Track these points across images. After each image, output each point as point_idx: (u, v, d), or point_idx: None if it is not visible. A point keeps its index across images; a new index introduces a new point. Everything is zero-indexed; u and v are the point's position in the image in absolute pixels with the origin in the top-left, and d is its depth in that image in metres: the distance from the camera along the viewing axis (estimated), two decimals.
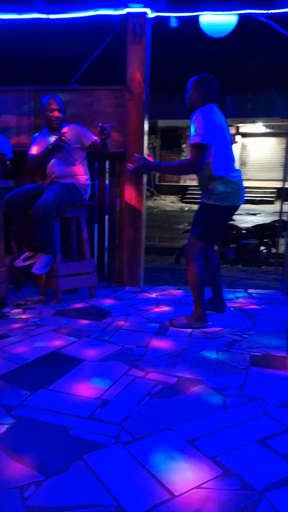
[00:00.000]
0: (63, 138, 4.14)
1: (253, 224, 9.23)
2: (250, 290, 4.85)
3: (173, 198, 23.92)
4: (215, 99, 3.51)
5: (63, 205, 4.07)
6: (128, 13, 4.51)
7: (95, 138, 4.25)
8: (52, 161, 4.27)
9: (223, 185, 3.43)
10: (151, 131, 20.87)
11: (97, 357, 3.05)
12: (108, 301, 4.33)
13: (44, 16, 4.68)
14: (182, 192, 24.00)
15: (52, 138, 4.26)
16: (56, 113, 4.23)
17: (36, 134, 4.49)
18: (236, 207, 3.62)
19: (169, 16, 4.66)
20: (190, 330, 3.58)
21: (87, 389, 2.60)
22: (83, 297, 4.49)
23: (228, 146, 3.48)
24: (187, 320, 3.64)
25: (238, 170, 3.59)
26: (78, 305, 4.23)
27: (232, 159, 3.54)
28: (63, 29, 4.86)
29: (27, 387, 2.62)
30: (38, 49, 5.73)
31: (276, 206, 19.88)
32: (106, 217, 4.96)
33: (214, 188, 3.45)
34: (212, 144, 3.34)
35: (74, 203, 4.22)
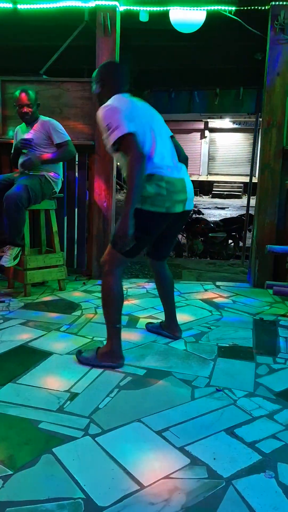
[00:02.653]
0: (24, 144, 4.15)
1: (221, 218, 9.33)
2: (218, 283, 4.91)
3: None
4: (123, 88, 2.82)
5: (34, 196, 4.03)
6: (97, 5, 4.49)
7: (63, 140, 4.20)
8: (24, 154, 4.23)
9: (153, 185, 2.64)
10: None
11: (66, 350, 3.05)
12: (77, 294, 4.32)
13: (13, 5, 4.61)
14: None
15: (25, 134, 4.23)
16: (24, 109, 4.15)
17: (16, 128, 4.43)
18: (176, 215, 2.79)
19: (139, 10, 4.66)
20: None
21: (56, 382, 2.60)
22: (52, 290, 4.46)
23: (159, 136, 2.75)
24: (96, 355, 2.84)
25: (180, 167, 2.83)
26: (47, 298, 4.20)
27: (168, 152, 2.77)
28: (32, 19, 4.80)
29: None
30: (6, 38, 5.64)
31: (243, 200, 20.12)
32: (76, 210, 4.94)
33: (143, 188, 2.65)
34: (139, 134, 2.58)
35: (44, 195, 4.19)
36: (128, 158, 2.51)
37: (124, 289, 4.47)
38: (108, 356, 2.80)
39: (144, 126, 2.65)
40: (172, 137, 2.91)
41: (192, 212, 8.24)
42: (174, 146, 2.88)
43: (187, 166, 2.97)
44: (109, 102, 2.67)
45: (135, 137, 2.51)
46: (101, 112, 2.62)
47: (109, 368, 2.76)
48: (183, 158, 2.92)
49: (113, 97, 2.71)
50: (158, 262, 3.18)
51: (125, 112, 2.59)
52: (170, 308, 3.30)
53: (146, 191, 2.64)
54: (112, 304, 2.78)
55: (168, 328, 3.32)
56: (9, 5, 4.61)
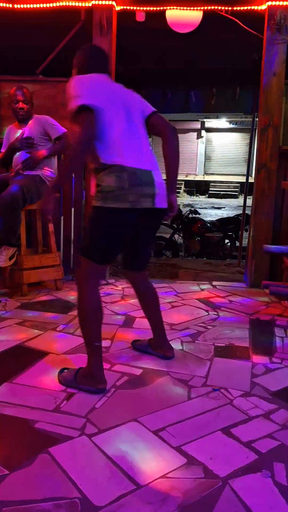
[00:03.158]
0: (27, 144, 4.14)
1: (217, 218, 9.33)
2: (214, 282, 4.92)
3: None
4: (101, 71, 2.55)
5: (29, 197, 4.03)
6: (94, 4, 4.48)
7: (60, 133, 4.20)
8: (19, 153, 4.22)
9: (113, 178, 2.35)
10: None
11: (63, 350, 3.05)
12: (73, 294, 4.31)
13: (9, 5, 4.61)
14: None
15: (18, 133, 4.22)
16: (20, 104, 4.16)
17: (9, 127, 4.42)
18: (146, 214, 2.47)
19: (136, 10, 4.65)
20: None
21: (52, 382, 2.59)
22: (49, 290, 4.46)
23: (129, 122, 2.47)
24: (75, 376, 2.55)
25: (149, 159, 2.54)
26: (44, 298, 4.20)
27: (136, 140, 2.48)
28: (29, 18, 4.79)
29: None
30: (2, 38, 5.63)
31: (240, 200, 20.14)
32: (72, 209, 4.93)
33: (102, 182, 2.38)
34: (100, 113, 2.34)
35: (40, 194, 4.18)
36: (75, 134, 2.27)
37: (121, 288, 4.51)
38: (87, 379, 2.50)
39: (113, 105, 2.42)
40: (154, 113, 2.65)
41: (188, 212, 8.24)
42: (156, 123, 2.65)
43: (177, 146, 2.72)
44: (85, 75, 2.48)
45: (91, 113, 2.29)
46: (70, 81, 2.42)
47: (89, 392, 2.46)
48: (170, 136, 2.70)
49: (90, 74, 2.49)
50: (136, 274, 2.85)
51: (94, 85, 2.41)
52: (157, 325, 2.95)
53: (106, 186, 2.36)
54: (88, 320, 2.48)
55: (159, 347, 2.96)
56: (6, 4, 4.60)
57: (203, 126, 24.36)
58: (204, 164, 24.91)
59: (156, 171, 2.53)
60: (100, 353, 2.52)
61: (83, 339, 2.55)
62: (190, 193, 23.57)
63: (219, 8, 4.54)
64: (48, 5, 4.55)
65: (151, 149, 2.62)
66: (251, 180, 6.07)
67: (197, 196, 23.23)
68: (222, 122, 23.91)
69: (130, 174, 2.37)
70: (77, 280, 2.53)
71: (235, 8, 4.51)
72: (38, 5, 4.58)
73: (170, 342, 3.16)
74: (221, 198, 21.91)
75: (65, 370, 2.65)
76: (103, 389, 2.48)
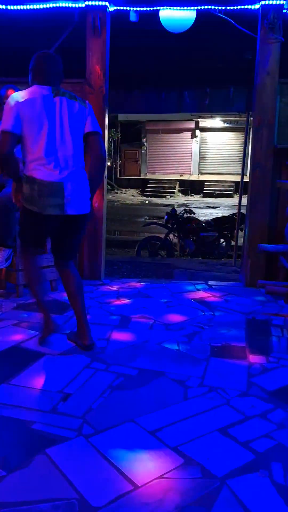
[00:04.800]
0: None
1: (213, 217, 9.34)
2: (210, 282, 4.92)
3: (133, 191, 23.91)
4: (46, 80, 2.85)
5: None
6: (87, 6, 4.48)
7: None
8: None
9: (27, 186, 2.81)
10: (111, 125, 20.61)
11: (59, 350, 3.04)
12: None
13: (3, 6, 4.60)
14: (142, 185, 24.03)
15: None
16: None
17: None
18: (63, 218, 2.86)
19: (129, 10, 4.65)
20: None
21: (48, 383, 2.59)
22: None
23: (51, 136, 2.76)
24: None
25: (62, 170, 2.79)
26: None
27: (50, 153, 2.76)
28: (22, 20, 4.78)
29: None
30: None
31: (235, 199, 20.17)
32: None
33: (24, 186, 2.85)
34: (22, 133, 2.74)
35: None
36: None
37: (116, 289, 4.51)
38: (42, 327, 3.11)
39: (33, 126, 2.74)
40: (92, 133, 2.91)
41: (183, 212, 8.25)
42: (91, 144, 2.91)
43: (100, 165, 3.00)
44: (17, 92, 2.83)
45: (8, 135, 2.70)
46: (9, 98, 2.78)
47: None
48: (97, 156, 2.93)
49: (28, 88, 2.84)
50: (62, 261, 3.12)
51: (17, 108, 2.72)
52: (77, 313, 3.10)
53: (24, 192, 2.84)
54: (30, 285, 3.16)
55: (79, 336, 3.11)
56: (0, 7, 4.59)
57: (197, 126, 24.34)
58: (199, 164, 24.89)
59: (70, 182, 2.81)
60: (43, 305, 3.08)
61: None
62: (184, 192, 23.57)
63: (213, 8, 4.54)
64: (42, 6, 4.54)
65: (74, 161, 2.86)
66: (246, 179, 6.07)
67: (191, 195, 23.22)
68: (217, 122, 23.90)
69: (40, 185, 2.76)
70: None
71: (228, 8, 4.51)
72: (31, 6, 4.57)
73: (166, 342, 3.17)
74: (216, 197, 21.90)
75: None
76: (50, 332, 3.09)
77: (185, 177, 24.39)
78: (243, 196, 6.80)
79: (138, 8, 4.63)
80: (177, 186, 23.72)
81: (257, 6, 4.41)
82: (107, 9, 4.51)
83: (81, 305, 3.10)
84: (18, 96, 2.76)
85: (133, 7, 4.60)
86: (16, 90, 4.15)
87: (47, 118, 2.76)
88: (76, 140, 2.86)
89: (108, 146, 4.74)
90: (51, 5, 4.52)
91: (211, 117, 23.31)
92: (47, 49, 4.89)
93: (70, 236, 3.06)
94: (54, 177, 2.76)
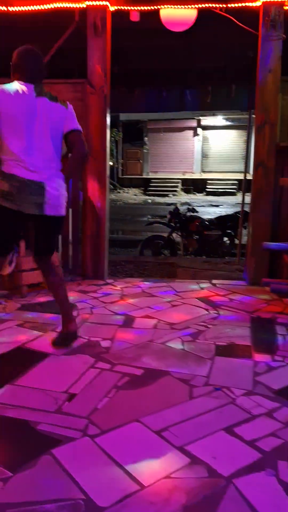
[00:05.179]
0: None
1: (216, 216, 9.32)
2: (214, 281, 4.91)
3: (135, 190, 23.92)
4: (29, 76, 2.84)
5: None
6: (88, 5, 4.47)
7: None
8: None
9: (5, 182, 2.77)
10: (112, 125, 20.67)
11: (63, 350, 3.04)
12: (73, 295, 4.30)
13: (4, 8, 4.60)
14: (145, 184, 24.03)
15: None
16: None
17: None
18: (39, 218, 2.85)
19: (130, 9, 4.64)
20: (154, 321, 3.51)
21: (53, 383, 2.59)
22: (48, 291, 4.44)
23: (29, 135, 2.76)
24: None
25: (42, 170, 2.80)
26: (43, 299, 4.19)
27: (30, 152, 2.76)
28: (23, 21, 4.78)
29: None
30: None
31: (238, 198, 20.14)
32: (70, 210, 4.93)
33: (1, 182, 2.81)
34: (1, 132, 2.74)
35: None
36: None
37: (119, 288, 4.51)
38: None
39: (11, 122, 2.71)
40: (73, 132, 2.90)
41: (186, 210, 8.23)
42: (72, 141, 2.90)
43: (81, 162, 3.03)
44: None
45: None
46: None
47: None
48: (80, 154, 2.93)
49: (8, 84, 2.80)
50: (40, 257, 3.11)
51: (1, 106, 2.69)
52: (61, 301, 3.18)
53: (1, 188, 2.76)
54: None
55: (63, 325, 3.17)
56: (0, 7, 4.59)
57: (199, 124, 24.32)
58: (201, 162, 24.87)
59: (50, 182, 2.81)
60: None
61: None
62: (187, 191, 23.55)
63: (214, 5, 4.53)
64: (42, 6, 4.54)
65: (53, 163, 2.87)
66: (249, 177, 6.06)
67: (194, 194, 23.20)
68: (219, 120, 23.87)
69: (20, 182, 2.73)
70: None
71: (229, 6, 4.50)
72: (32, 7, 4.57)
73: (170, 342, 3.16)
74: (219, 195, 21.88)
75: None
76: None
77: (188, 176, 24.38)
78: (246, 194, 6.78)
79: (138, 7, 4.63)
80: (179, 184, 23.72)
81: (258, 3, 4.41)
82: (108, 8, 4.50)
83: (64, 293, 3.16)
84: None
85: (134, 6, 4.60)
86: None
87: (27, 117, 2.74)
88: (55, 142, 2.87)
89: (110, 146, 4.74)
90: (52, 5, 4.52)
91: (213, 115, 23.29)
92: (48, 49, 4.91)
93: (48, 236, 3.05)
94: (35, 176, 2.77)
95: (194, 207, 8.98)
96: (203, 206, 16.91)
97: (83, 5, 4.50)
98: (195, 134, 24.57)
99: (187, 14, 4.66)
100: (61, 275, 3.18)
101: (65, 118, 2.90)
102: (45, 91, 2.86)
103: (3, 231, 2.88)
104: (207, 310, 3.91)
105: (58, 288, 3.15)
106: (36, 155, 2.78)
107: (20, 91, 2.76)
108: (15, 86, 2.79)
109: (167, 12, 4.68)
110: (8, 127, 2.72)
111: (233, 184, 22.85)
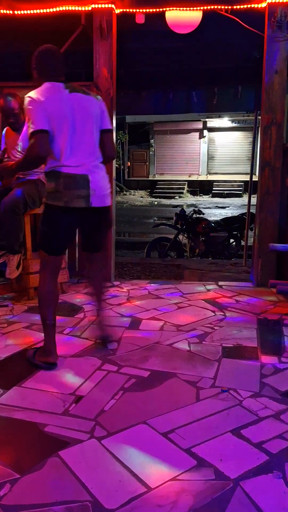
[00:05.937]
0: None
1: (222, 217, 9.31)
2: (220, 282, 4.90)
3: (142, 192, 23.94)
4: (57, 75, 2.86)
5: (31, 201, 4.04)
6: (93, 8, 4.49)
7: None
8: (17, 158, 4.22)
9: (52, 180, 2.80)
10: (119, 127, 20.54)
11: (70, 352, 3.05)
12: (79, 297, 4.32)
13: (10, 11, 4.62)
14: (151, 186, 24.04)
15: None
16: (10, 119, 4.12)
17: (5, 129, 4.42)
18: (87, 211, 2.84)
19: (135, 12, 4.65)
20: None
21: (60, 385, 2.59)
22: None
23: (72, 132, 2.76)
24: (35, 353, 2.95)
25: (85, 164, 2.81)
26: None
27: (74, 147, 2.78)
28: (29, 24, 4.80)
29: (0, 385, 2.59)
30: (3, 44, 5.63)
31: (244, 199, 20.10)
32: None
33: (47, 183, 2.89)
34: (50, 130, 2.71)
35: (41, 198, 4.18)
36: (31, 150, 2.70)
37: (126, 290, 4.51)
38: (41, 354, 2.89)
39: (57, 122, 2.71)
40: (105, 131, 2.95)
41: (192, 212, 8.23)
42: (103, 142, 2.93)
43: (107, 164, 3.03)
44: (33, 92, 2.75)
45: (44, 134, 2.66)
46: (25, 101, 2.72)
47: (42, 367, 2.81)
48: (106, 157, 2.97)
49: (42, 86, 2.79)
50: (90, 255, 3.18)
51: (42, 106, 2.68)
52: (98, 302, 3.27)
53: (47, 187, 2.86)
54: (43, 302, 2.88)
55: (98, 327, 3.24)
56: (7, 11, 4.61)
57: (205, 126, 24.31)
58: (207, 164, 24.86)
59: (93, 174, 2.83)
60: (52, 330, 2.87)
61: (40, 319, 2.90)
62: (193, 193, 23.54)
63: (219, 7, 4.54)
64: (48, 10, 4.56)
65: (95, 154, 2.89)
66: (255, 178, 6.05)
67: (200, 196, 23.19)
68: (225, 121, 23.86)
69: (65, 178, 2.75)
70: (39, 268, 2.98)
71: (235, 7, 4.50)
72: (38, 11, 4.59)
73: (177, 343, 3.16)
74: (225, 197, 21.85)
75: (32, 348, 3.03)
76: (52, 363, 2.83)
77: (194, 178, 24.37)
78: (252, 195, 6.77)
79: (144, 10, 4.63)
80: (185, 186, 23.71)
81: (264, 4, 4.40)
82: (114, 11, 4.51)
83: (101, 296, 3.29)
84: (36, 95, 2.71)
85: (139, 8, 4.61)
86: (7, 100, 4.10)
87: (68, 114, 2.74)
88: (95, 134, 2.88)
89: (116, 148, 4.75)
90: (58, 8, 4.54)
91: (219, 117, 23.27)
92: None
93: (99, 230, 3.09)
94: (79, 170, 2.78)
95: (200, 209, 8.98)
96: (209, 207, 16.90)
97: (88, 8, 4.51)
98: (201, 136, 24.56)
99: (193, 16, 4.66)
100: (105, 277, 3.28)
101: (101, 112, 2.93)
102: (75, 86, 2.88)
103: (56, 231, 2.88)
104: (213, 312, 3.91)
105: (99, 288, 3.27)
106: (79, 150, 2.79)
107: (56, 91, 2.77)
108: (49, 87, 2.78)
109: (172, 14, 4.68)
110: (54, 128, 2.71)
111: (239, 186, 22.81)
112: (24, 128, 4.13)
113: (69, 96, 2.79)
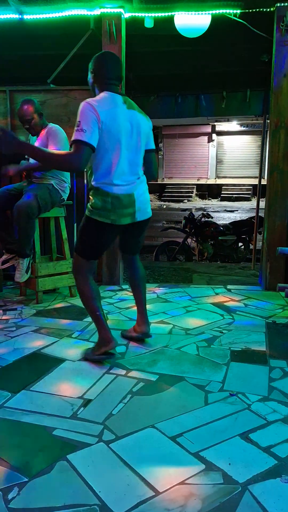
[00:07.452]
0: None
1: (231, 221, 9.30)
2: (229, 286, 4.90)
3: (151, 196, 23.86)
4: (115, 84, 2.84)
5: (43, 205, 4.06)
6: (102, 13, 4.51)
7: (55, 148, 4.12)
8: (30, 162, 4.24)
9: (99, 199, 2.79)
10: None
11: (79, 356, 3.05)
12: None
13: (19, 16, 4.65)
14: (160, 190, 24.06)
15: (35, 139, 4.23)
16: (25, 124, 4.14)
17: (29, 137, 4.43)
18: (129, 224, 2.92)
19: (144, 16, 4.67)
20: (165, 332, 3.52)
21: (69, 389, 2.60)
22: (63, 297, 4.47)
23: (123, 150, 2.76)
24: (92, 349, 3.04)
25: (135, 181, 2.87)
26: (59, 305, 4.21)
27: (127, 167, 2.81)
28: (38, 28, 4.84)
29: (9, 388, 2.61)
30: (13, 49, 5.68)
31: (252, 203, 20.07)
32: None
33: (92, 200, 2.84)
34: (96, 148, 2.66)
35: (53, 202, 4.20)
36: (71, 158, 2.59)
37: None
38: (99, 345, 2.97)
39: (112, 138, 2.70)
40: (150, 151, 3.01)
41: (201, 216, 8.23)
42: (147, 161, 3.00)
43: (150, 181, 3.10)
44: (93, 99, 2.69)
45: (90, 152, 2.60)
46: (81, 105, 2.65)
47: (104, 356, 2.95)
48: (149, 176, 3.07)
49: (101, 95, 2.75)
50: (130, 256, 3.30)
51: (99, 118, 2.62)
52: (139, 302, 3.35)
53: (94, 203, 2.82)
54: (87, 298, 2.95)
55: (138, 325, 3.34)
56: (15, 16, 4.64)
57: (214, 130, 24.34)
58: (216, 168, 24.88)
59: (138, 191, 2.90)
60: (102, 319, 2.96)
61: (90, 315, 3.01)
62: (202, 196, 23.54)
63: (228, 11, 4.54)
64: (57, 14, 4.59)
65: (141, 172, 2.97)
66: (264, 182, 6.04)
67: (209, 199, 23.19)
68: (233, 125, 23.87)
69: (113, 198, 2.79)
70: (74, 277, 3.04)
71: (243, 11, 4.50)
72: (47, 15, 4.62)
73: (185, 347, 3.15)
74: (233, 201, 21.85)
75: (85, 349, 3.11)
76: (113, 345, 2.96)
77: (203, 181, 24.37)
78: (261, 199, 6.76)
79: (153, 14, 4.65)
80: (194, 190, 23.71)
81: (272, 8, 4.40)
82: (122, 15, 4.53)
83: (142, 294, 3.33)
84: (96, 104, 2.64)
85: (148, 13, 4.62)
86: (25, 107, 4.10)
87: (124, 132, 2.74)
88: (143, 152, 2.95)
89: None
90: (67, 13, 4.57)
91: (228, 120, 23.29)
92: (63, 56, 4.96)
93: (138, 236, 3.21)
94: (126, 189, 2.83)
95: (209, 213, 8.98)
96: (218, 211, 16.88)
97: (97, 12, 4.54)
98: (210, 139, 24.58)
99: (201, 20, 4.67)
100: (143, 275, 3.35)
101: (149, 132, 2.99)
102: (132, 102, 2.87)
103: (100, 242, 2.95)
104: (222, 315, 3.90)
105: (139, 287, 3.33)
106: (128, 169, 2.83)
107: (115, 105, 2.73)
108: (108, 98, 2.74)
109: (181, 19, 4.70)
110: (106, 143, 2.69)
111: (247, 189, 22.79)
112: (43, 133, 4.15)
113: (127, 113, 2.77)
